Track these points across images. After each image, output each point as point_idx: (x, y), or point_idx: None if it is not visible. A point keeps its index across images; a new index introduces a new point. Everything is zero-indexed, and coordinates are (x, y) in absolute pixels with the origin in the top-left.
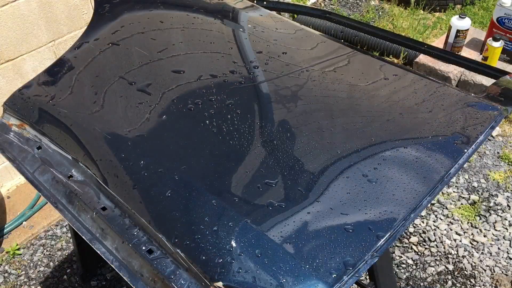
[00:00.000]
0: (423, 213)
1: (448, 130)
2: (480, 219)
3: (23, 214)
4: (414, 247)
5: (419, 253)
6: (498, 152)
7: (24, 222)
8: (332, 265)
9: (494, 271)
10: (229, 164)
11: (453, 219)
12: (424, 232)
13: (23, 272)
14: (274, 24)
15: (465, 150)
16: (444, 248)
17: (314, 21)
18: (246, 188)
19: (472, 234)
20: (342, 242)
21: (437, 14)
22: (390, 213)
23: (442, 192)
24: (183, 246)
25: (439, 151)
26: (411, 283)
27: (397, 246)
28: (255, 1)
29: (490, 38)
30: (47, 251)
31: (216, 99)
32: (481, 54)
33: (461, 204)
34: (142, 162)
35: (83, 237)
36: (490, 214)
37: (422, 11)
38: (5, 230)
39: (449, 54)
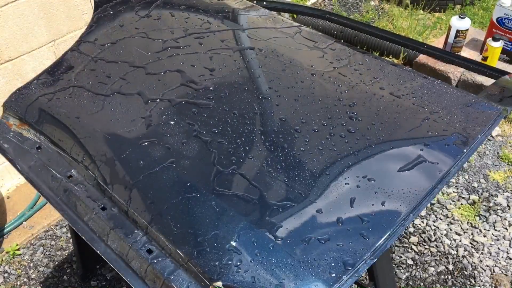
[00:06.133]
0: (423, 213)
1: (448, 130)
2: (480, 219)
3: (23, 214)
4: (414, 247)
5: (419, 253)
6: (498, 152)
7: (24, 222)
8: (332, 264)
9: (494, 271)
10: (229, 164)
11: (453, 219)
12: (424, 232)
13: (23, 272)
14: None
15: (465, 150)
16: (444, 248)
17: (314, 21)
18: (246, 189)
19: (472, 234)
20: (342, 242)
21: (436, 14)
22: (389, 212)
23: (442, 192)
24: (182, 246)
25: (439, 150)
26: (411, 283)
27: (397, 246)
28: (255, 1)
29: (490, 38)
30: (47, 251)
31: (214, 100)
32: (481, 54)
33: (461, 204)
34: (141, 162)
35: (82, 237)
36: (490, 214)
37: (421, 11)
38: (5, 230)
39: (449, 54)
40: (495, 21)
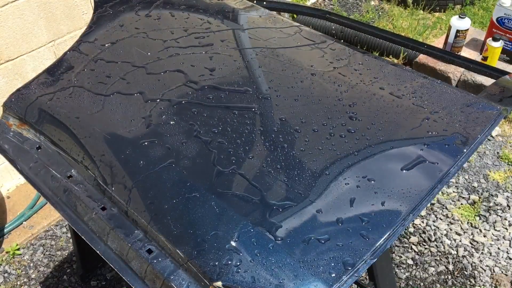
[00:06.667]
0: (423, 213)
1: (448, 130)
2: (480, 219)
3: (23, 214)
4: (414, 247)
5: (419, 253)
6: (498, 152)
7: (24, 222)
8: (331, 264)
9: (494, 271)
10: (228, 164)
11: (453, 219)
12: (424, 232)
13: (23, 272)
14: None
15: (465, 150)
16: (444, 248)
17: (314, 21)
18: (246, 189)
19: (472, 234)
20: (342, 242)
21: (436, 14)
22: (389, 212)
23: (442, 192)
24: (182, 246)
25: (439, 150)
26: (411, 283)
27: (397, 246)
28: (255, 1)
29: (490, 38)
30: (47, 251)
31: (214, 99)
32: (481, 54)
33: (461, 204)
34: (141, 162)
35: (82, 237)
36: (490, 214)
37: (421, 11)
38: (5, 230)
39: (449, 54)
40: (495, 21)
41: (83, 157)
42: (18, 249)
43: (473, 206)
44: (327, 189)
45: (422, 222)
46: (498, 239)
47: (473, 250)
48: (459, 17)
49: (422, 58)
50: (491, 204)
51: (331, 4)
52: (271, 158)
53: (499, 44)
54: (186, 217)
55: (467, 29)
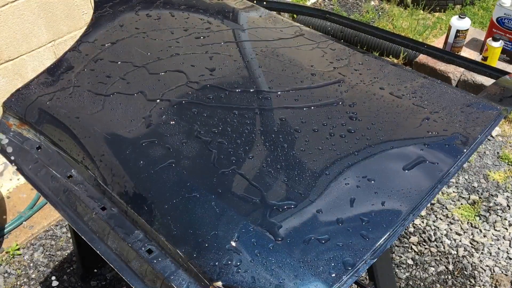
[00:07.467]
0: (423, 213)
1: (448, 130)
2: (480, 219)
3: (23, 214)
4: (414, 247)
5: (419, 253)
6: (498, 152)
7: (24, 222)
8: (332, 264)
9: (494, 271)
10: (228, 164)
11: (453, 219)
12: (424, 232)
13: (23, 272)
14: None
15: (465, 150)
16: (444, 248)
17: (314, 21)
18: (246, 189)
19: (472, 234)
20: (342, 242)
21: (436, 14)
22: (389, 212)
23: (442, 192)
24: (182, 246)
25: (439, 150)
26: (411, 283)
27: (397, 246)
28: (255, 1)
29: (490, 38)
30: (47, 251)
31: (215, 100)
32: (481, 54)
33: (461, 204)
34: (141, 162)
35: (82, 237)
36: (490, 214)
37: (421, 11)
38: (5, 230)
39: (449, 54)
40: (495, 21)
41: (83, 157)
42: (18, 249)
43: (473, 206)
44: (327, 189)
45: (422, 222)
46: (498, 239)
47: (473, 250)
48: (459, 17)
49: (422, 58)
50: (491, 204)
51: (331, 4)
52: (271, 158)
53: (499, 44)
54: (186, 217)
55: (467, 29)
